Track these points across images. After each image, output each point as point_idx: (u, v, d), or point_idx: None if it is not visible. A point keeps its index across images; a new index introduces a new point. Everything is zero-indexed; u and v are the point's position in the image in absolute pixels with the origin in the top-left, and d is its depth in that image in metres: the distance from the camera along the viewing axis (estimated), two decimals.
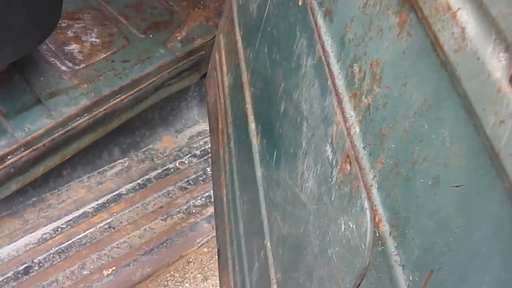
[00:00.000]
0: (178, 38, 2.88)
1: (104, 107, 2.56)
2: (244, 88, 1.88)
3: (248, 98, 1.83)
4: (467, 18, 0.69)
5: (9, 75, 2.49)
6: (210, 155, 2.75)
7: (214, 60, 2.52)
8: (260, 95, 1.70)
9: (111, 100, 2.58)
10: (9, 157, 2.31)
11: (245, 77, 1.90)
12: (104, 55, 2.71)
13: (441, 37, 0.74)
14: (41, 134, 2.36)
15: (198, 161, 2.98)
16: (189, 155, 3.00)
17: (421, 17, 0.80)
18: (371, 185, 0.94)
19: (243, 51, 1.97)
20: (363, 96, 0.98)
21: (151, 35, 2.88)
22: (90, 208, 2.66)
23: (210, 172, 2.77)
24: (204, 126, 3.09)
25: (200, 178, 2.90)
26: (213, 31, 2.93)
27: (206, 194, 2.83)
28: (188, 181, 2.88)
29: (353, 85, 1.02)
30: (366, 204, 0.94)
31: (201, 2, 3.16)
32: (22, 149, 2.33)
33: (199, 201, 2.80)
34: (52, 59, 2.64)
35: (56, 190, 2.68)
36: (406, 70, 0.85)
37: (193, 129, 3.11)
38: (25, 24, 2.12)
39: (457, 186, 0.73)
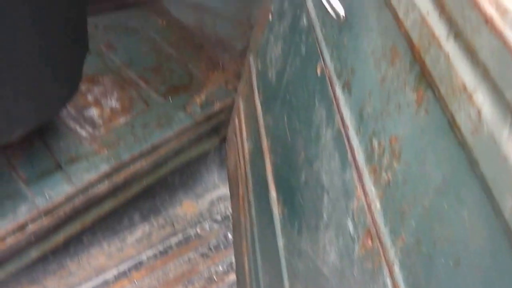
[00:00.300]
0: (198, 101, 2.90)
1: (124, 173, 2.57)
2: (264, 155, 1.88)
3: (268, 165, 1.83)
4: (483, 100, 0.69)
5: (30, 140, 2.51)
6: (231, 220, 2.74)
7: (233, 124, 2.53)
8: (281, 163, 1.70)
9: (131, 166, 2.59)
10: (29, 224, 2.31)
11: (265, 144, 1.90)
12: (124, 120, 2.73)
13: (457, 118, 0.74)
14: (61, 201, 2.37)
15: (219, 227, 2.96)
16: (210, 220, 2.99)
17: (438, 96, 0.80)
18: (393, 262, 0.92)
19: (262, 117, 1.97)
20: (383, 172, 0.97)
21: (170, 99, 2.90)
22: (110, 275, 2.63)
23: (231, 238, 2.76)
24: (224, 190, 3.08)
25: (222, 244, 2.87)
26: (232, 94, 2.94)
27: (228, 260, 2.80)
28: (209, 247, 2.85)
29: (373, 160, 1.02)
30: (389, 281, 0.93)
31: (220, 64, 3.18)
32: (43, 216, 2.34)
33: (220, 268, 2.77)
34: (72, 123, 2.66)
35: (76, 257, 2.66)
36: (424, 148, 0.85)
37: (214, 193, 3.09)
38: (47, 90, 2.14)
39: (478, 268, 0.72)
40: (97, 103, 2.78)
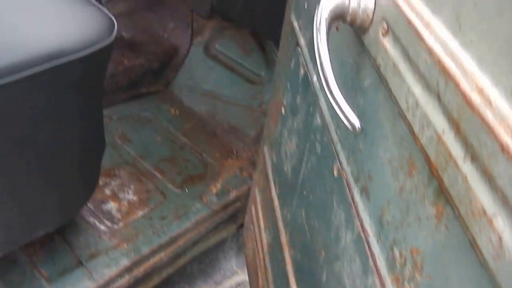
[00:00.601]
0: (214, 191, 2.93)
1: (144, 266, 2.58)
2: (283, 248, 1.89)
3: (288, 259, 1.84)
4: (503, 227, 0.70)
5: (50, 237, 2.54)
6: None
7: (250, 213, 2.54)
8: (301, 259, 1.71)
9: (151, 259, 2.60)
10: None
11: (283, 237, 1.91)
12: (142, 213, 2.76)
13: (478, 240, 0.75)
14: None
15: None
16: None
17: (457, 215, 0.81)
18: None
19: (279, 210, 1.99)
20: (406, 282, 0.98)
21: (186, 190, 2.93)
22: None
23: None
24: (243, 276, 3.08)
25: None
26: (247, 181, 2.97)
27: None
28: None
29: (395, 269, 1.03)
30: None
31: (234, 152, 3.22)
32: None
33: None
34: (91, 219, 2.69)
35: None
36: (446, 264, 0.86)
37: (232, 280, 3.10)
38: (68, 191, 2.18)
39: None
40: (115, 196, 2.81)
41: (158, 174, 2.99)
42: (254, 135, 3.26)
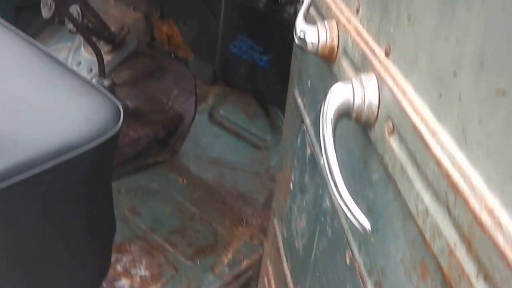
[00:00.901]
0: (225, 261, 2.93)
1: None
2: None
3: None
4: None
5: None
6: None
7: (263, 282, 2.53)
8: None
9: None
10: None
11: None
12: None
13: None
14: None
15: None
16: None
17: None
18: None
19: (293, 287, 1.98)
20: None
21: (198, 261, 2.93)
22: None
23: None
24: None
25: None
26: (258, 249, 2.97)
27: None
28: None
29: None
30: None
31: (244, 219, 3.22)
32: None
33: None
34: None
35: None
36: None
37: None
38: (83, 275, 2.18)
39: None
40: (127, 273, 2.81)
41: (169, 247, 2.99)
42: (262, 201, 3.27)
